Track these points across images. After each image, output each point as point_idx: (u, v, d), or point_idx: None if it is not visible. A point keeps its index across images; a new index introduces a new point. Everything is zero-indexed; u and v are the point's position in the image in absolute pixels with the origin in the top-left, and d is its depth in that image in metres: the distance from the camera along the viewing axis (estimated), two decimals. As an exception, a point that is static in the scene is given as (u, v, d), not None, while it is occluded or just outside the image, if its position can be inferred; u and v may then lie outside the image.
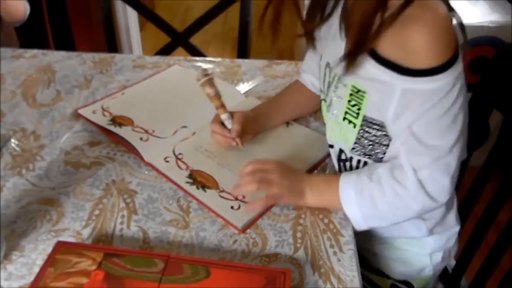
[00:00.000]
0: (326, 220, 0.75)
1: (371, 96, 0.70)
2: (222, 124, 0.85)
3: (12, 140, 0.90)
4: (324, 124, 0.95)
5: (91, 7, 1.98)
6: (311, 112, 0.96)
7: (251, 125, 0.87)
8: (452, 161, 0.67)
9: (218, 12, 1.37)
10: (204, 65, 1.14)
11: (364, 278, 0.89)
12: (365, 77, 0.69)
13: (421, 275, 0.86)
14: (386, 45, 0.65)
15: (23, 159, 0.86)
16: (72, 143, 0.90)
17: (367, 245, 0.86)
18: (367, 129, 0.73)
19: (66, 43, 1.89)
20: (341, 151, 0.79)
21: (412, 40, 0.62)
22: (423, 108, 0.65)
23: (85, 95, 1.03)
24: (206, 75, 0.83)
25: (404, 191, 0.69)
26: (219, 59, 1.18)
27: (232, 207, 0.76)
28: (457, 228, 0.85)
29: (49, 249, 0.67)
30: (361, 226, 0.73)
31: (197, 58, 1.18)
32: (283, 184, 0.73)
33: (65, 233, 0.72)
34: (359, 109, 0.72)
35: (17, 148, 0.88)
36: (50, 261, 0.64)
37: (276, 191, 0.73)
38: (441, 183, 0.68)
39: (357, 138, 0.74)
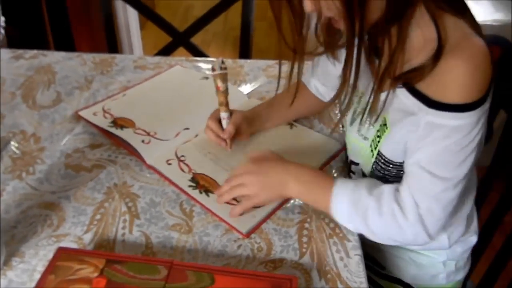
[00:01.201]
0: (332, 225, 0.74)
1: (393, 132, 0.69)
2: (219, 121, 0.84)
3: (12, 143, 0.88)
4: (328, 126, 0.94)
5: (91, 6, 1.97)
6: (310, 115, 0.95)
7: (247, 127, 0.86)
8: (454, 197, 0.65)
9: (219, 11, 1.36)
10: (207, 65, 1.13)
11: (373, 283, 0.88)
12: (394, 106, 0.67)
13: (433, 282, 0.83)
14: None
15: (23, 162, 0.84)
16: (73, 146, 0.88)
17: (379, 244, 0.84)
18: (379, 163, 0.72)
19: (66, 43, 1.87)
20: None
21: (448, 75, 0.60)
22: (441, 143, 0.63)
23: (85, 97, 1.02)
24: (222, 68, 0.81)
25: (403, 217, 0.66)
26: (222, 59, 1.17)
27: (236, 212, 0.75)
28: (474, 241, 0.82)
29: (50, 255, 0.66)
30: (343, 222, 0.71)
31: (199, 59, 1.17)
32: (256, 183, 0.73)
33: (66, 238, 0.71)
34: (378, 142, 0.72)
35: (17, 151, 0.87)
36: (51, 268, 0.63)
37: (248, 192, 0.73)
38: (438, 218, 0.66)
39: (372, 168, 0.74)
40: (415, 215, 0.66)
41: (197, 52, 1.39)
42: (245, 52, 1.36)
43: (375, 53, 0.68)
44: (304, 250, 0.70)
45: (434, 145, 0.63)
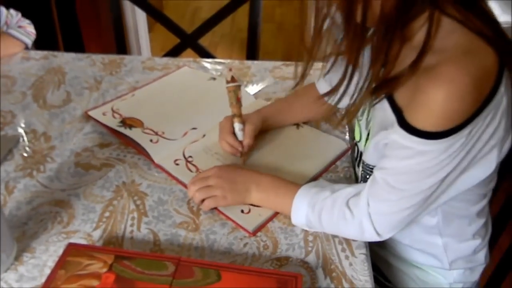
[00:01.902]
0: (337, 224, 0.74)
1: (372, 142, 0.69)
2: (232, 133, 0.85)
3: (23, 141, 0.90)
4: (334, 127, 0.95)
5: (100, 8, 1.99)
6: (320, 118, 0.95)
7: (258, 133, 0.88)
8: (411, 205, 0.64)
9: (226, 13, 1.37)
10: (214, 67, 1.14)
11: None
12: (377, 117, 0.67)
13: None
14: (400, 90, 0.62)
15: (34, 161, 0.86)
16: (82, 145, 0.90)
17: (387, 257, 0.85)
18: (366, 170, 0.74)
19: (75, 44, 1.89)
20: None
21: (423, 96, 0.56)
22: (403, 161, 0.62)
23: (95, 97, 1.03)
24: (236, 80, 0.83)
25: (351, 217, 0.68)
26: (228, 61, 1.18)
27: (242, 211, 0.76)
28: (484, 265, 0.81)
29: (60, 251, 0.67)
30: (303, 228, 0.74)
31: (207, 60, 1.18)
32: (223, 186, 0.75)
33: (76, 235, 0.72)
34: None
35: (28, 149, 0.89)
36: (61, 263, 0.64)
37: (217, 193, 0.75)
38: (388, 220, 0.67)
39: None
40: (364, 212, 0.67)
41: (204, 54, 1.41)
42: (252, 53, 1.38)
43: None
44: (309, 248, 0.71)
45: (397, 160, 0.63)
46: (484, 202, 0.75)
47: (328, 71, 0.72)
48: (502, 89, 0.58)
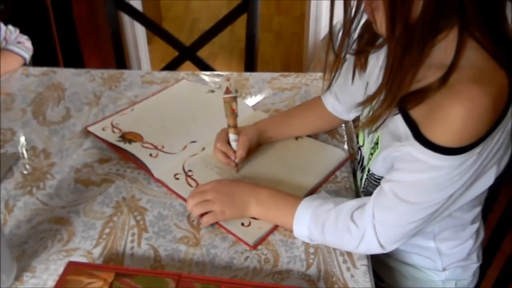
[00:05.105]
0: (338, 235, 0.74)
1: (382, 153, 0.69)
2: (228, 142, 0.85)
3: (23, 158, 0.90)
4: (333, 137, 0.95)
5: (99, 22, 2.01)
6: (324, 131, 0.95)
7: (255, 144, 0.88)
8: (418, 219, 0.64)
9: (224, 25, 1.38)
10: (212, 79, 1.14)
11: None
12: (388, 128, 0.66)
13: None
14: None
15: (33, 178, 0.86)
16: (82, 161, 0.90)
17: (379, 256, 0.84)
18: (371, 180, 0.74)
19: (75, 59, 1.91)
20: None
21: (441, 112, 0.57)
22: (415, 175, 0.62)
23: (94, 112, 1.04)
24: (230, 91, 0.83)
25: (356, 229, 0.68)
26: (227, 73, 1.19)
27: (242, 224, 0.75)
28: (476, 265, 0.82)
29: (60, 270, 0.67)
30: (304, 240, 0.73)
31: (205, 72, 1.18)
32: (222, 201, 0.75)
33: (76, 252, 0.72)
34: (369, 159, 0.74)
35: (28, 167, 0.89)
36: (62, 282, 0.64)
37: (215, 208, 0.75)
38: (393, 233, 0.67)
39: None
40: (369, 223, 0.66)
41: (203, 66, 1.41)
42: (250, 64, 1.38)
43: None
44: (311, 261, 0.70)
45: (409, 174, 0.63)
46: (478, 209, 0.76)
47: (331, 83, 0.72)
48: (510, 111, 0.59)
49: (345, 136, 0.95)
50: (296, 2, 3.15)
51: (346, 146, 0.92)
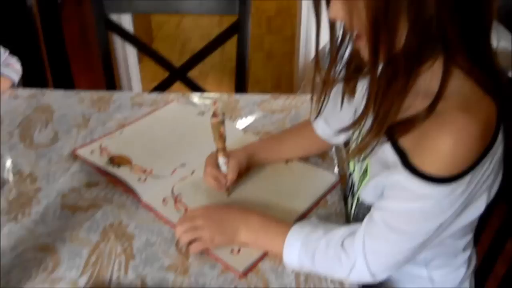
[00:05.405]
0: (329, 262, 0.73)
1: (372, 181, 0.69)
2: (217, 166, 0.84)
3: (8, 183, 0.89)
4: (323, 159, 0.95)
5: (90, 41, 2.00)
6: (313, 155, 0.94)
7: (245, 168, 0.87)
8: (408, 248, 0.64)
9: (215, 46, 1.38)
10: (203, 101, 1.14)
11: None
12: (377, 156, 0.66)
13: None
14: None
15: (19, 204, 0.84)
16: (69, 185, 0.89)
17: None
18: (361, 208, 0.74)
19: (64, 79, 1.90)
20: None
21: (430, 141, 0.57)
22: (404, 204, 0.62)
23: (83, 135, 1.03)
24: (217, 115, 0.82)
25: (346, 258, 0.67)
26: (217, 95, 1.19)
27: (232, 251, 0.74)
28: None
29: (44, 300, 0.65)
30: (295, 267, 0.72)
31: (195, 94, 1.18)
32: (211, 227, 0.75)
33: (61, 282, 0.70)
34: (359, 187, 0.73)
35: (14, 192, 0.87)
36: (45, 314, 0.62)
37: (204, 234, 0.74)
38: (383, 261, 0.66)
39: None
40: (359, 252, 0.66)
41: (194, 86, 1.41)
42: (241, 85, 1.38)
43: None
44: (301, 289, 0.69)
45: (398, 202, 0.63)
46: (470, 236, 0.76)
47: (320, 110, 0.72)
48: (499, 138, 0.59)
49: (335, 159, 0.94)
50: (287, 22, 3.19)
51: (336, 169, 0.92)
